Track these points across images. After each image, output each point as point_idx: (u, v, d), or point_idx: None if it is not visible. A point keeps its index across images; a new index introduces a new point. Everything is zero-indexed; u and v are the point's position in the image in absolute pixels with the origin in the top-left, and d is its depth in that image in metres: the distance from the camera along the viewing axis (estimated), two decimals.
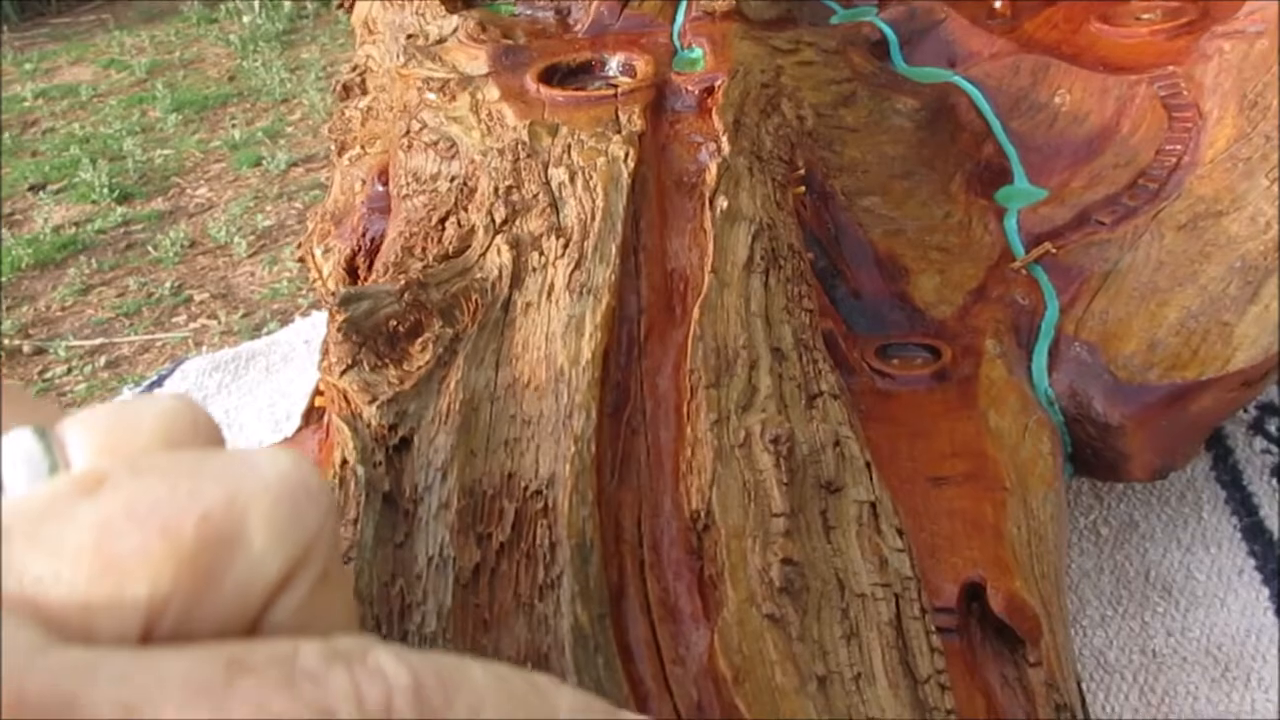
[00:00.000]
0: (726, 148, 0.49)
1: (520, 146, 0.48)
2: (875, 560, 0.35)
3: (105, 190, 3.49)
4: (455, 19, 0.62)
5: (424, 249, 0.44)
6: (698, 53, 0.59)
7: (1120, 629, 0.57)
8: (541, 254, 0.41)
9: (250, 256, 3.10)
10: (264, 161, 3.59)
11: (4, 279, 3.11)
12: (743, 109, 0.53)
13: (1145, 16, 0.67)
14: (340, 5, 0.77)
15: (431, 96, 0.57)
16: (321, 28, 4.56)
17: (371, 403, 0.36)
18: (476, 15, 0.62)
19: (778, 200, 0.48)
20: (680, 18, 0.61)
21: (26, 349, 2.81)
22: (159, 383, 0.91)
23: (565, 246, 0.41)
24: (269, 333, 2.78)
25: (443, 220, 0.46)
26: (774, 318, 0.42)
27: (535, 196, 0.44)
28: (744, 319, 0.41)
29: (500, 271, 0.41)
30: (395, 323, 0.38)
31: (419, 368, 0.37)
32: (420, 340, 0.38)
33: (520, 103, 0.54)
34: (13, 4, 5.05)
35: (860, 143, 0.59)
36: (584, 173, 0.45)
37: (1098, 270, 0.55)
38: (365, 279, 0.65)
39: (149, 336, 2.82)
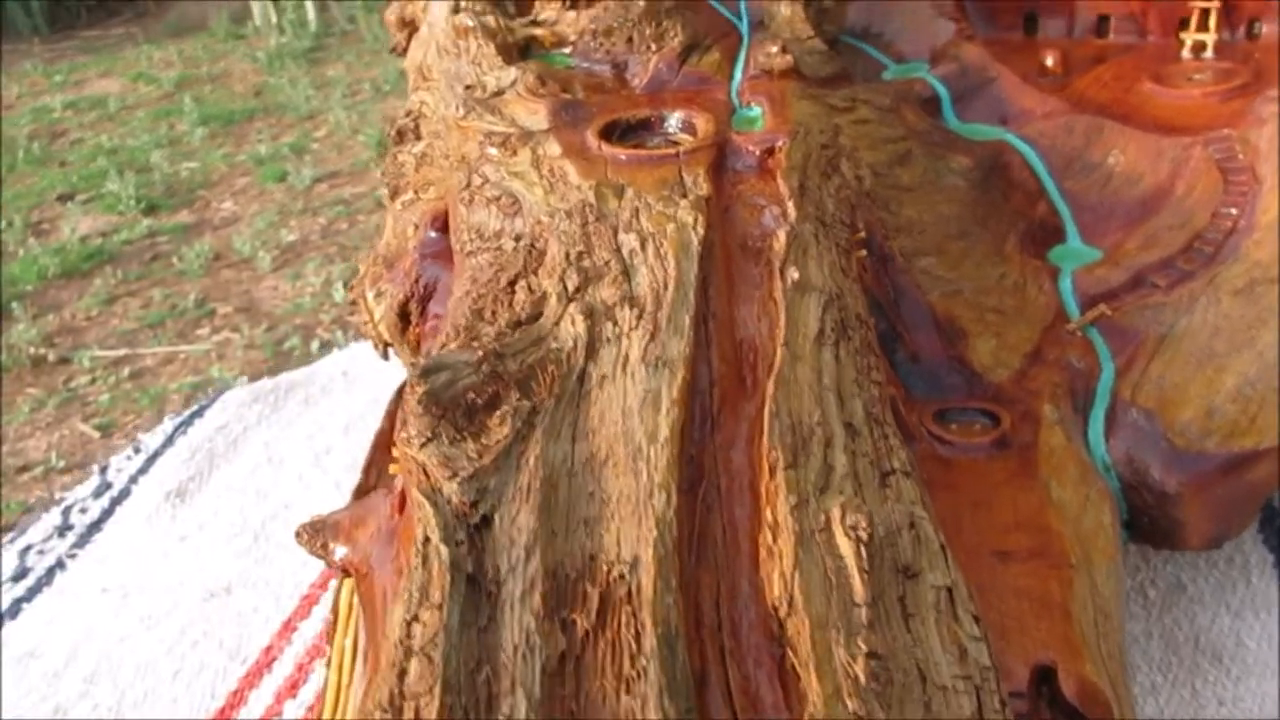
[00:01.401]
0: (793, 214, 0.48)
1: (588, 209, 0.48)
2: (955, 650, 0.35)
3: (132, 201, 3.50)
4: (513, 71, 0.62)
5: (494, 313, 0.44)
6: (756, 111, 0.58)
7: (1171, 697, 0.56)
8: (615, 324, 0.41)
9: (274, 271, 3.10)
10: (289, 177, 3.59)
11: (31, 287, 3.12)
12: (805, 172, 0.52)
13: (1197, 77, 0.67)
14: (394, 49, 0.77)
15: (493, 151, 0.56)
16: (347, 46, 4.57)
17: (452, 478, 0.35)
18: (535, 68, 0.61)
19: (843, 266, 0.48)
20: (738, 75, 0.61)
21: (51, 358, 2.82)
22: (199, 414, 0.91)
23: (639, 317, 0.41)
24: (291, 348, 2.78)
25: (512, 283, 0.45)
26: (845, 391, 0.41)
27: (607, 263, 0.44)
28: (817, 394, 0.40)
29: (575, 342, 0.40)
30: (473, 395, 0.38)
31: (497, 442, 0.37)
32: (498, 413, 0.38)
33: (582, 160, 0.54)
34: (44, 16, 5.07)
35: (916, 202, 0.59)
36: (654, 239, 0.45)
37: (1153, 334, 0.55)
38: (417, 325, 0.65)
39: (172, 348, 2.82)
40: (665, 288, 0.42)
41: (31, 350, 2.83)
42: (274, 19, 4.65)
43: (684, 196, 0.49)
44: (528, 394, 0.39)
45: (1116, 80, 0.69)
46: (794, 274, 0.44)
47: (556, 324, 0.41)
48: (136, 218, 3.41)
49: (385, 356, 0.69)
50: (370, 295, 0.67)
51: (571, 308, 0.42)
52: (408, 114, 0.70)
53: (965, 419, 0.51)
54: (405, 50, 0.76)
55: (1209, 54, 0.70)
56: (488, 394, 0.38)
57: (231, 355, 2.77)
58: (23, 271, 3.14)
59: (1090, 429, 0.53)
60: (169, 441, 0.87)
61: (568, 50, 0.67)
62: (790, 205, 0.49)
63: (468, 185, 0.57)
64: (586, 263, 0.44)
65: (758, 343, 0.43)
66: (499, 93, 0.62)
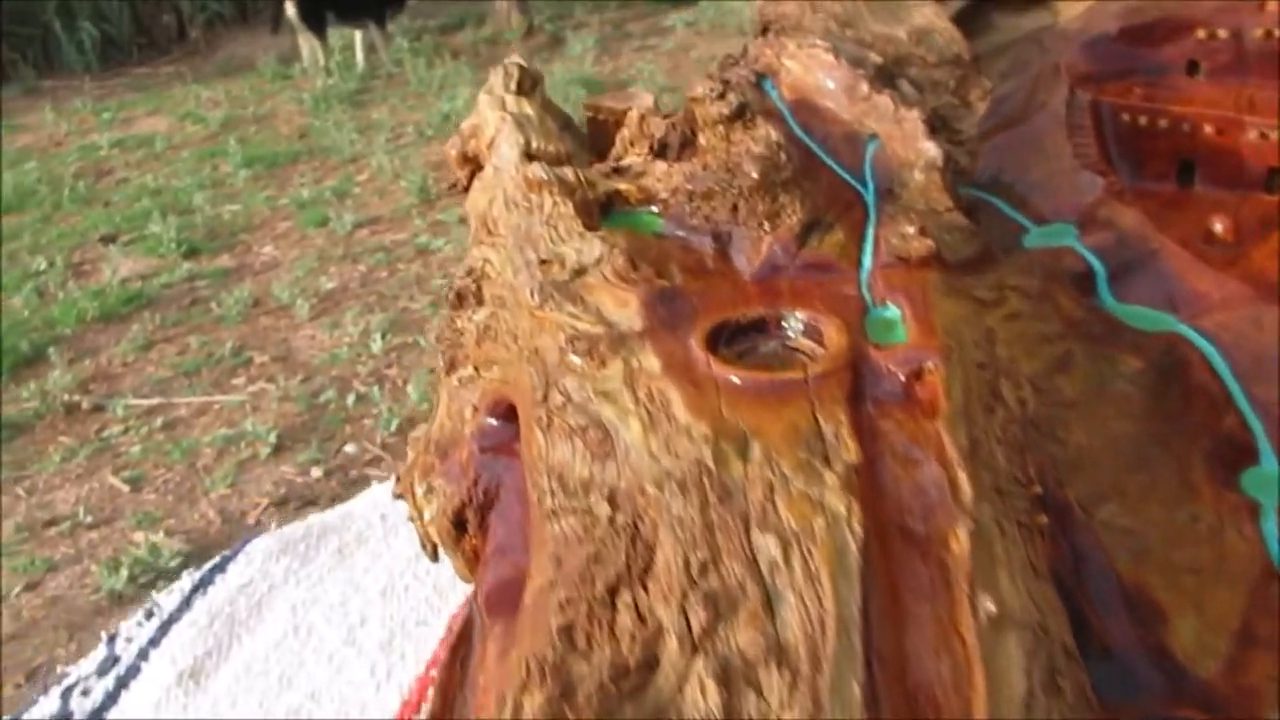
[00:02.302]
0: (968, 491, 0.37)
1: (706, 477, 0.37)
2: None
3: (173, 244, 3.43)
4: (597, 245, 0.51)
5: (590, 639, 0.33)
6: (894, 313, 0.47)
7: None
8: (761, 696, 0.29)
9: (312, 320, 3.01)
10: (330, 221, 3.51)
11: (69, 331, 3.04)
12: (969, 413, 0.41)
13: None
14: (453, 186, 0.66)
15: (575, 360, 0.45)
16: (393, 89, 4.50)
17: None
18: (622, 242, 0.50)
19: (1033, 561, 0.37)
20: (867, 261, 0.49)
21: (85, 405, 2.73)
22: (221, 567, 0.80)
23: (792, 685, 0.29)
24: (327, 401, 2.68)
25: (612, 591, 0.34)
26: None
27: (741, 585, 0.32)
28: None
29: None
30: None
31: None
32: None
33: (689, 384, 0.43)
34: (95, 53, 5.03)
35: (1084, 421, 0.47)
36: (799, 543, 0.33)
37: None
38: (475, 537, 0.54)
39: (207, 399, 2.73)
40: (822, 630, 0.31)
41: (66, 397, 2.75)
42: (321, 61, 4.59)
43: (827, 464, 0.37)
44: None
45: None
46: (989, 607, 0.32)
47: (680, 689, 0.30)
48: (177, 261, 3.34)
49: (434, 558, 0.58)
50: (421, 491, 0.56)
51: (699, 663, 0.30)
52: (469, 273, 0.59)
53: None
54: (467, 189, 0.65)
55: None
56: None
57: (266, 407, 2.68)
58: (62, 314, 3.07)
59: None
60: (186, 604, 0.76)
61: (656, 209, 0.56)
62: (963, 476, 0.37)
63: (544, 399, 0.45)
64: (713, 580, 0.33)
65: (939, 696, 0.32)
66: (580, 271, 0.50)
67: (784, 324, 0.47)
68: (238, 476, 2.38)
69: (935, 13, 0.58)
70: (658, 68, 4.54)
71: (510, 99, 0.65)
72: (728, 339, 0.47)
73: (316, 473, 2.38)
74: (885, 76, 0.55)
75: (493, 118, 0.64)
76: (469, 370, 0.57)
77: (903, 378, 0.43)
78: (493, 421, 0.55)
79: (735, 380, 0.43)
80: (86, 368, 2.84)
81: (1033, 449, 0.43)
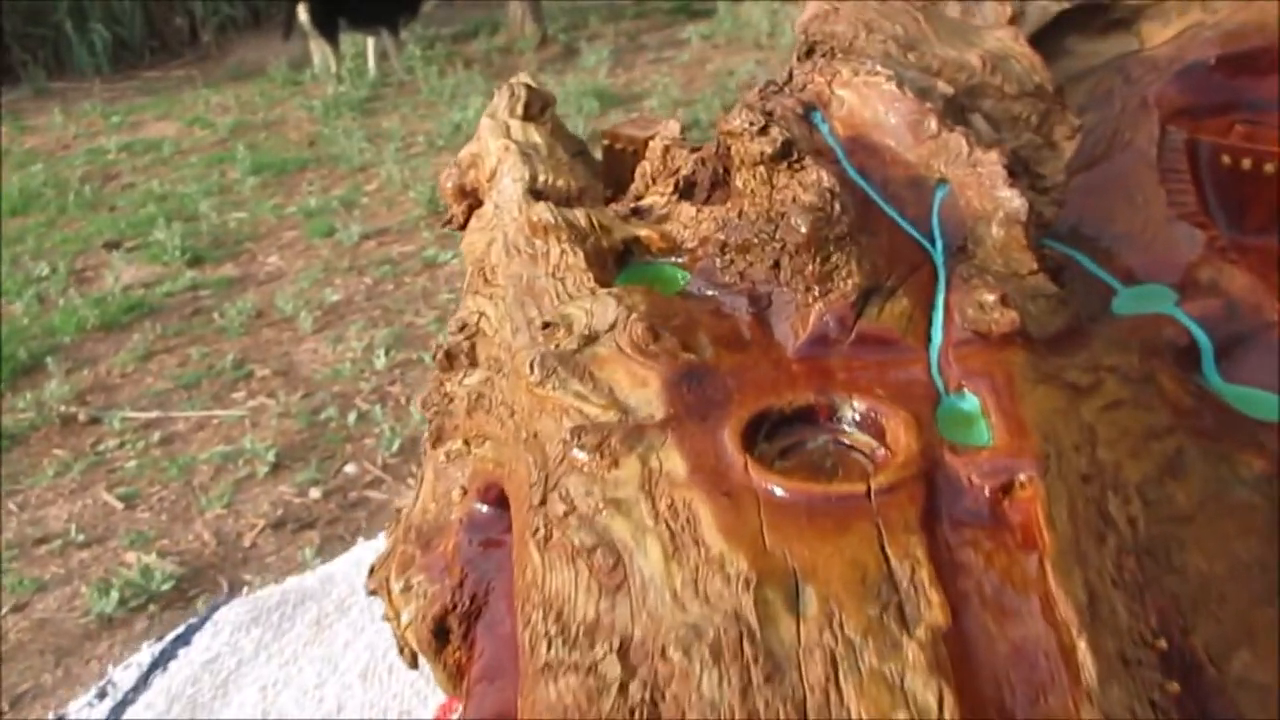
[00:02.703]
0: (1091, 670, 0.28)
1: (746, 639, 0.28)
2: None
3: (177, 252, 3.36)
4: (612, 306, 0.42)
5: None
6: (973, 403, 0.38)
7: None
8: None
9: (315, 333, 2.94)
10: (337, 232, 3.43)
11: (68, 339, 2.97)
12: (1080, 548, 0.32)
13: None
14: (447, 222, 0.57)
15: (580, 455, 0.37)
16: (404, 97, 4.43)
17: None
18: (642, 304, 0.41)
19: None
20: (938, 335, 0.40)
21: (82, 417, 2.65)
22: (185, 639, 0.71)
23: None
24: (328, 419, 2.59)
25: None
26: None
27: None
28: None
29: None
30: None
31: None
32: None
33: (721, 495, 0.34)
34: (107, 55, 4.97)
35: (1202, 541, 0.38)
36: None
37: None
38: (459, 650, 0.45)
39: (206, 413, 2.65)
40: None
41: (62, 409, 2.67)
42: (333, 67, 4.52)
43: (904, 626, 0.28)
44: None
45: None
46: None
47: None
48: (181, 269, 3.26)
49: (413, 665, 0.49)
50: (397, 587, 0.47)
51: None
52: (461, 328, 0.50)
53: None
54: (463, 226, 0.56)
55: None
56: None
57: (265, 424, 2.59)
58: (62, 322, 2.99)
59: None
60: (143, 682, 0.67)
61: (682, 260, 0.47)
62: (1082, 645, 0.28)
63: (542, 503, 0.36)
64: None
65: None
66: (590, 339, 0.41)
67: (837, 414, 0.38)
68: (234, 496, 2.29)
69: (1013, 36, 0.49)
70: (673, 81, 4.45)
71: (516, 124, 0.56)
72: (768, 432, 0.37)
73: (315, 494, 2.29)
74: (956, 110, 0.46)
75: (495, 146, 0.55)
76: (458, 444, 0.49)
77: (987, 492, 0.34)
78: (484, 508, 0.47)
79: (780, 493, 0.34)
80: (85, 378, 2.76)
81: (1151, 586, 0.34)
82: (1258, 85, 0.55)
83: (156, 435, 2.57)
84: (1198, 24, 0.59)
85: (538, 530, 0.36)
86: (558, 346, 0.42)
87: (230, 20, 5.43)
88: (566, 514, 0.36)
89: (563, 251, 0.47)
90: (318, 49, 4.63)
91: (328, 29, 4.46)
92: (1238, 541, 0.39)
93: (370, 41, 4.64)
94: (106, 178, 3.92)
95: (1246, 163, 0.54)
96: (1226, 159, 0.54)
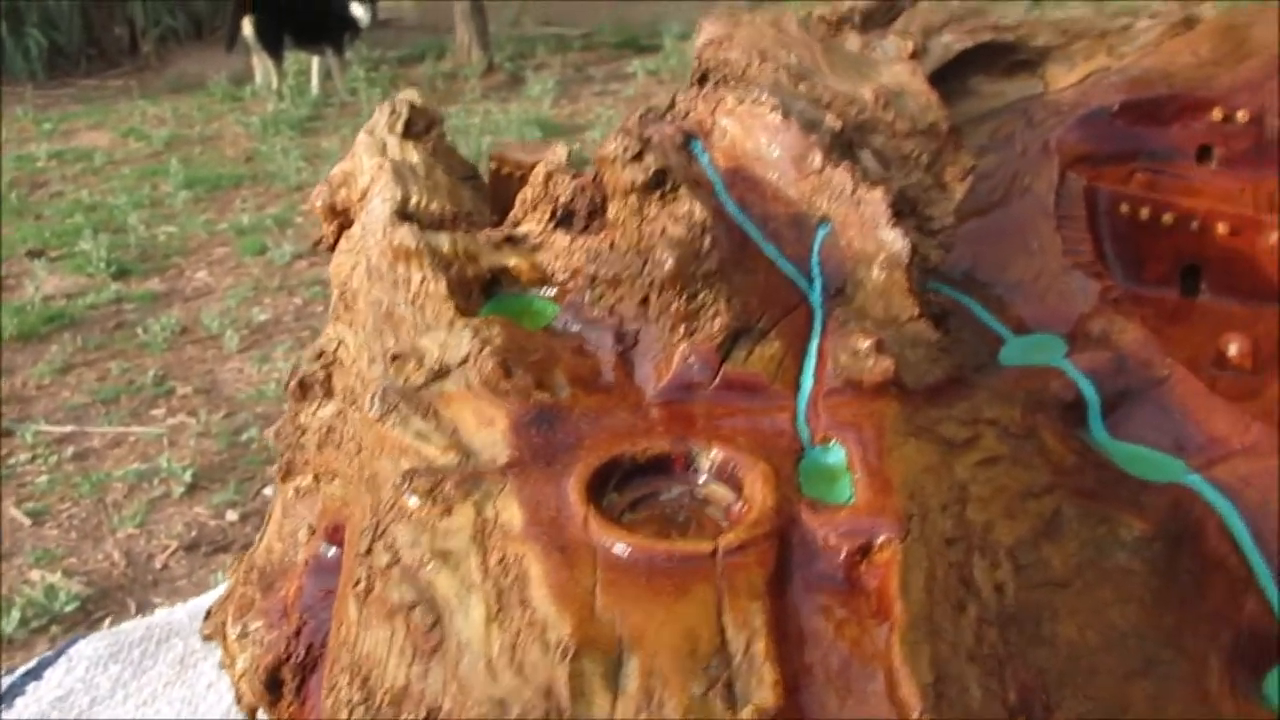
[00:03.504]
0: None
1: (553, 711, 0.25)
2: None
3: (103, 264, 3.27)
4: (466, 339, 0.39)
5: None
6: (838, 456, 0.35)
7: None
8: None
9: (240, 351, 2.86)
10: (269, 250, 3.37)
11: None
12: (933, 621, 0.29)
13: None
14: (317, 243, 0.54)
15: (413, 500, 0.33)
16: (345, 118, 4.37)
17: None
18: (498, 338, 0.38)
19: None
20: (808, 382, 0.38)
21: None
22: (36, 674, 0.67)
23: None
24: (249, 440, 2.53)
25: None
26: None
27: None
28: None
29: None
30: None
31: None
32: None
33: (557, 551, 0.31)
34: (42, 62, 4.86)
35: (1076, 608, 0.36)
36: None
37: None
38: (291, 705, 0.41)
39: (123, 429, 2.57)
40: None
41: None
42: (275, 83, 4.45)
43: (731, 705, 0.25)
44: None
45: None
46: None
47: None
48: (105, 281, 3.17)
49: (251, 717, 0.46)
50: (234, 632, 0.43)
51: None
52: (318, 356, 0.47)
53: None
54: (333, 246, 0.53)
55: None
56: None
57: (184, 443, 2.52)
58: None
59: None
60: None
61: (551, 293, 0.44)
62: None
63: (368, 552, 0.33)
64: None
65: None
66: (441, 374, 0.38)
67: (694, 464, 0.35)
68: (148, 515, 2.22)
69: (910, 71, 0.47)
70: (616, 113, 4.45)
71: (394, 142, 0.53)
72: (620, 480, 0.35)
73: (232, 515, 2.22)
74: (844, 146, 0.44)
75: (369, 164, 0.52)
76: (308, 479, 0.45)
77: (843, 555, 0.32)
78: (330, 550, 0.43)
79: (620, 550, 0.31)
80: None
81: (1015, 659, 0.32)
82: (1160, 134, 0.54)
83: (70, 450, 2.49)
84: (1103, 68, 0.58)
85: (359, 582, 0.33)
86: (406, 380, 0.38)
87: (172, 31, 5.35)
88: (390, 565, 0.32)
89: (424, 278, 0.44)
90: (260, 64, 4.57)
91: (272, 45, 4.40)
92: (1114, 609, 0.37)
93: (314, 60, 4.58)
94: (35, 185, 3.82)
95: (1145, 212, 0.52)
96: (1125, 208, 0.52)
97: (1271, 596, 0.40)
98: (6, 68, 4.88)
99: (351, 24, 4.49)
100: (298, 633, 0.41)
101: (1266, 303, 0.51)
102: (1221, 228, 0.51)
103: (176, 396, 2.69)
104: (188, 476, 2.20)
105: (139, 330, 2.90)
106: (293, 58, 4.63)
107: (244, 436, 2.39)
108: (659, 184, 0.41)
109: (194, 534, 2.12)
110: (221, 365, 2.80)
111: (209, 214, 3.59)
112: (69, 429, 2.54)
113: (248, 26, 4.30)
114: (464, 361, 0.39)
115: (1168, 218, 0.52)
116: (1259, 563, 0.40)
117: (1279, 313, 0.50)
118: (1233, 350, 0.48)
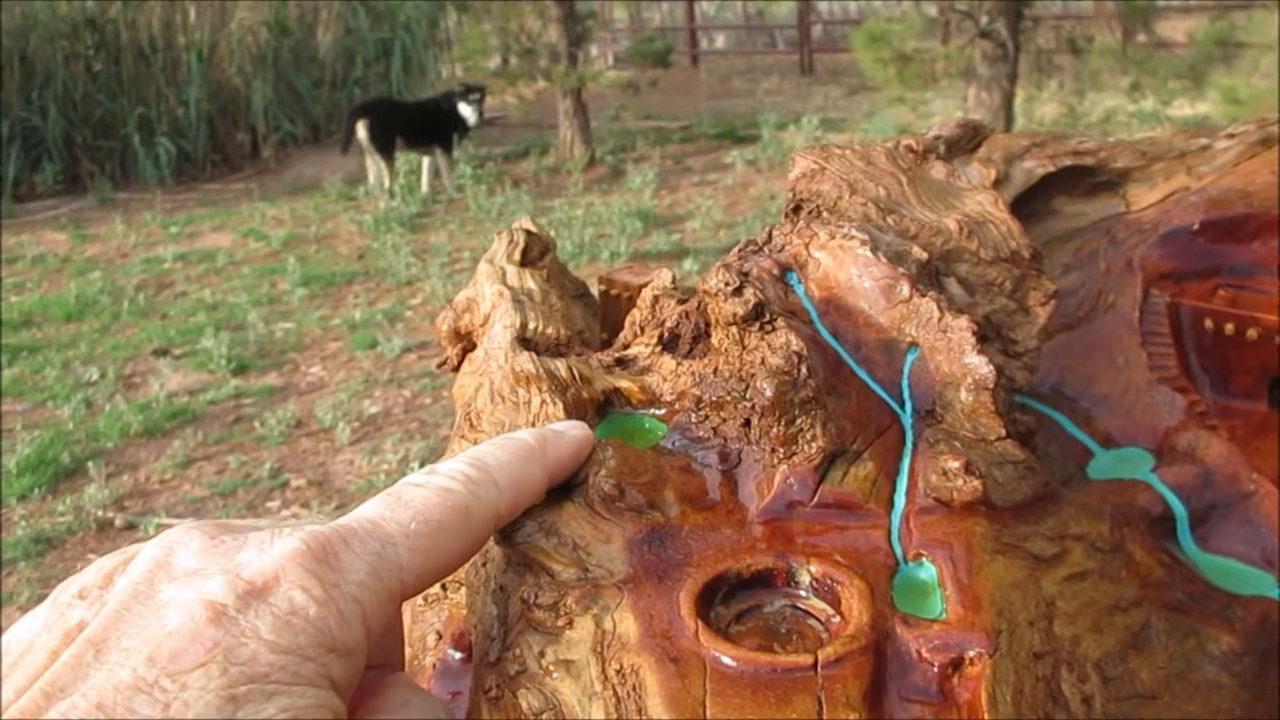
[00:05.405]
0: None
1: None
2: None
3: (223, 360, 3.42)
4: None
5: None
6: (930, 573, 0.38)
7: None
8: None
9: (352, 444, 2.96)
10: (379, 344, 3.49)
11: (111, 444, 3.01)
12: None
13: None
14: (442, 364, 0.59)
15: (538, 614, 0.37)
16: (452, 214, 4.54)
17: None
18: (613, 460, 0.42)
19: None
20: (900, 502, 0.41)
21: (119, 523, 2.68)
22: None
23: None
24: None
25: None
26: None
27: None
28: None
29: None
30: None
31: None
32: None
33: (670, 663, 0.34)
34: (170, 168, 5.15)
35: None
36: None
37: None
38: None
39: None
40: None
41: (99, 513, 2.70)
42: (386, 183, 4.65)
43: None
44: None
45: None
46: None
47: None
48: (225, 377, 3.32)
49: None
50: None
51: None
52: None
53: None
54: (457, 368, 0.58)
55: None
56: None
57: None
58: (106, 427, 3.04)
59: None
60: None
61: (660, 412, 0.48)
62: None
63: (498, 661, 0.37)
64: None
65: None
66: (562, 493, 0.42)
67: (794, 579, 0.38)
68: None
69: (992, 201, 0.50)
70: (715, 203, 4.53)
71: (512, 270, 0.58)
72: (726, 594, 0.38)
73: None
74: (930, 275, 0.47)
75: (490, 292, 0.57)
76: (435, 588, 0.49)
77: (936, 668, 0.34)
78: (457, 655, 0.47)
79: (727, 661, 0.34)
80: (124, 483, 2.80)
81: None
82: (1240, 251, 0.56)
83: None
84: (1183, 189, 0.60)
85: (490, 689, 0.36)
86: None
87: (291, 136, 5.63)
88: (519, 673, 0.36)
89: (543, 401, 0.48)
90: (373, 165, 4.77)
91: (384, 146, 4.60)
92: None
93: (424, 160, 4.78)
94: (161, 286, 4.03)
95: (1229, 327, 0.54)
96: (1209, 323, 0.54)
97: None
98: (138, 175, 5.18)
99: (460, 124, 4.68)
100: None
101: None
102: None
103: (291, 488, 2.79)
104: None
105: (256, 424, 3.03)
106: (403, 158, 4.83)
107: None
108: (758, 315, 0.44)
109: None
110: (333, 457, 2.89)
111: (323, 310, 3.74)
112: (189, 522, 2.64)
113: (362, 130, 4.51)
114: (583, 482, 0.43)
115: (1252, 332, 0.53)
116: None
117: None
118: None
